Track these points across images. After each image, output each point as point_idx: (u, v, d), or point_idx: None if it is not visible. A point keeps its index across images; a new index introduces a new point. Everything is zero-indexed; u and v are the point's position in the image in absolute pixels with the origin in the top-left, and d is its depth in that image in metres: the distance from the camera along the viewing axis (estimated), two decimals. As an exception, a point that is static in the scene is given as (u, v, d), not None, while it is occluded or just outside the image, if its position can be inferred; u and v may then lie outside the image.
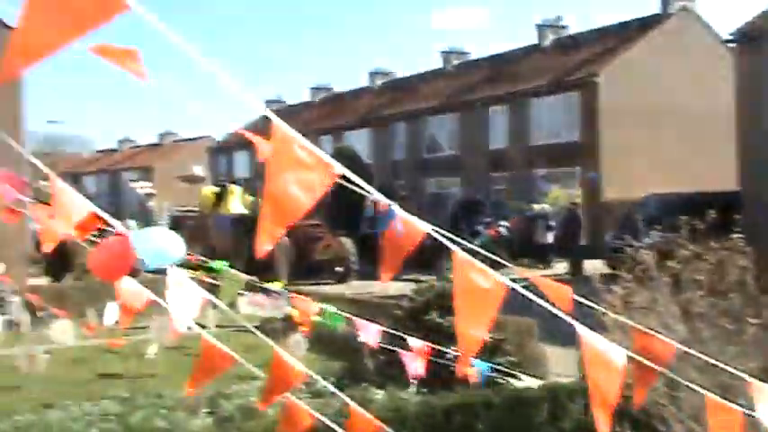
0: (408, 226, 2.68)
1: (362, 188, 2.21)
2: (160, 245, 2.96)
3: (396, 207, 2.35)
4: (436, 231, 2.76)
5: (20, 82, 21.32)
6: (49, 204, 3.67)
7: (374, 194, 2.25)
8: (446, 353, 8.94)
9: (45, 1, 1.75)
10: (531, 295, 2.45)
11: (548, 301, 2.47)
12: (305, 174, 2.03)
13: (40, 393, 9.38)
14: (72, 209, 3.45)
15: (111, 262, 3.19)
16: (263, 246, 1.92)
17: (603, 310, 3.99)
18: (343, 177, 2.09)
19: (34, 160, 5.99)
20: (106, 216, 4.11)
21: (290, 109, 57.58)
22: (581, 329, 2.42)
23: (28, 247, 21.67)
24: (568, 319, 2.41)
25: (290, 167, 2.01)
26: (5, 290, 15.47)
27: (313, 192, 2.00)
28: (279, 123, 2.05)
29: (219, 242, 26.07)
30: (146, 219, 39.73)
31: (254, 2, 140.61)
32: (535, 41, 41.97)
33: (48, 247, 4.02)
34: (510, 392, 7.12)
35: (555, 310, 2.45)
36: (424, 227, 2.75)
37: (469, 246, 3.53)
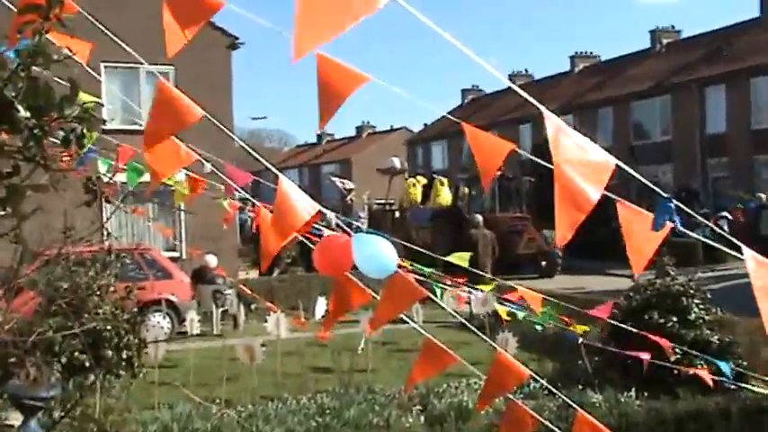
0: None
1: (638, 179, 2.18)
2: (378, 257, 3.01)
3: (673, 201, 2.27)
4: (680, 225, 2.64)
5: (230, 81, 22.67)
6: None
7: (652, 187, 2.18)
8: (669, 356, 8.58)
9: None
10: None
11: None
12: (587, 167, 2.06)
13: (257, 384, 9.91)
14: (299, 207, 3.46)
15: (336, 259, 3.28)
16: (564, 234, 2.00)
17: None
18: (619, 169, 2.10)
19: (258, 157, 6.29)
20: (330, 214, 4.23)
21: (488, 98, 57.40)
22: None
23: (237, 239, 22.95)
24: None
25: (573, 161, 2.05)
26: (222, 283, 16.47)
27: (599, 184, 2.04)
28: (550, 116, 2.06)
29: (417, 236, 26.38)
30: (345, 212, 41.03)
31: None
32: (756, 14, 39.30)
33: (273, 250, 4.00)
34: (748, 401, 6.67)
35: None
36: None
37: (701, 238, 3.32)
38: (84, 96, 2.50)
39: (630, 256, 2.65)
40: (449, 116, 4.33)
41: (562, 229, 2.07)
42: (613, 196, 2.74)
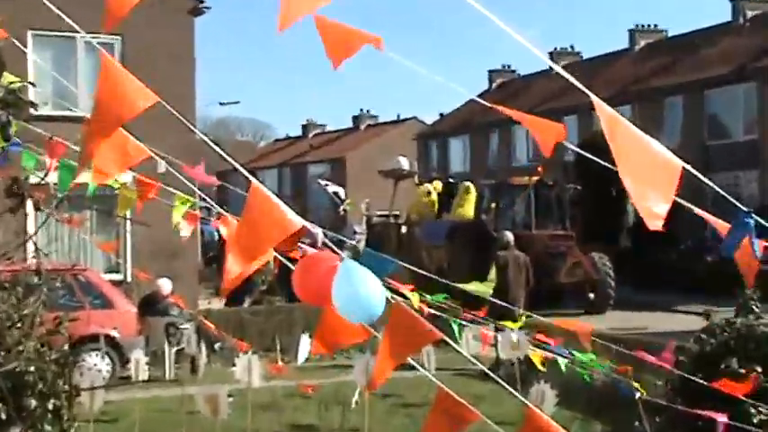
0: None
1: (708, 184, 2.25)
2: (363, 298, 3.02)
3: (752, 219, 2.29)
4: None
5: (192, 55, 22.74)
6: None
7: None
8: (752, 415, 8.58)
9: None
10: None
11: None
12: (651, 167, 2.17)
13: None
14: (275, 221, 3.31)
15: (320, 285, 3.25)
16: (656, 221, 2.15)
17: None
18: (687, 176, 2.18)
19: (224, 155, 6.33)
20: (316, 230, 4.23)
21: (522, 81, 57.50)
22: None
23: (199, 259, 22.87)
24: None
25: (636, 161, 2.17)
26: (177, 315, 16.42)
27: (668, 189, 2.16)
28: (601, 105, 2.12)
29: (429, 258, 26.33)
30: (337, 226, 41.03)
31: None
32: None
33: (235, 273, 3.46)
34: None
35: None
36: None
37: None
38: (8, 76, 2.51)
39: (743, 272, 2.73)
40: (477, 99, 4.35)
41: (650, 215, 2.21)
42: (693, 207, 2.74)
